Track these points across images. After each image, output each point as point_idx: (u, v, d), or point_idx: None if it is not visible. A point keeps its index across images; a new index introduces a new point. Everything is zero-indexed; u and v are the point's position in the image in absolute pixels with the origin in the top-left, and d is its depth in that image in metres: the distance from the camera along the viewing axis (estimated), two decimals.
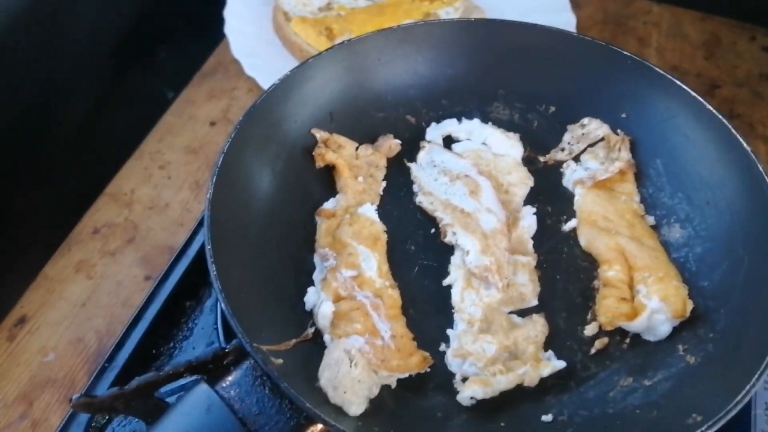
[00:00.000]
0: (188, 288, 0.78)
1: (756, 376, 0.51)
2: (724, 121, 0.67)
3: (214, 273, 0.56)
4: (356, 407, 0.54)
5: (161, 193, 1.02)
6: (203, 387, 0.51)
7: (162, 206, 1.00)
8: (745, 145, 0.65)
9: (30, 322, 0.88)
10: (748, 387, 0.50)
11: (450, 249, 0.70)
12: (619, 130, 0.75)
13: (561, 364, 0.61)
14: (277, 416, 0.51)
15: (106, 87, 1.04)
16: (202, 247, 0.79)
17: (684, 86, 0.70)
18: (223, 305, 0.54)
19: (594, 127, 0.75)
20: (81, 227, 0.98)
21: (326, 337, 0.61)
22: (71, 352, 0.85)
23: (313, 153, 0.73)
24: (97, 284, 0.92)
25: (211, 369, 0.57)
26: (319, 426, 0.51)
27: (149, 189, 1.02)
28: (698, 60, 1.14)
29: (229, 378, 0.53)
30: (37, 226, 0.94)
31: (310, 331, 0.62)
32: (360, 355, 0.57)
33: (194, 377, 0.56)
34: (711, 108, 0.68)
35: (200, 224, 0.83)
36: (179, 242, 0.85)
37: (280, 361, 0.54)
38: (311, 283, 0.66)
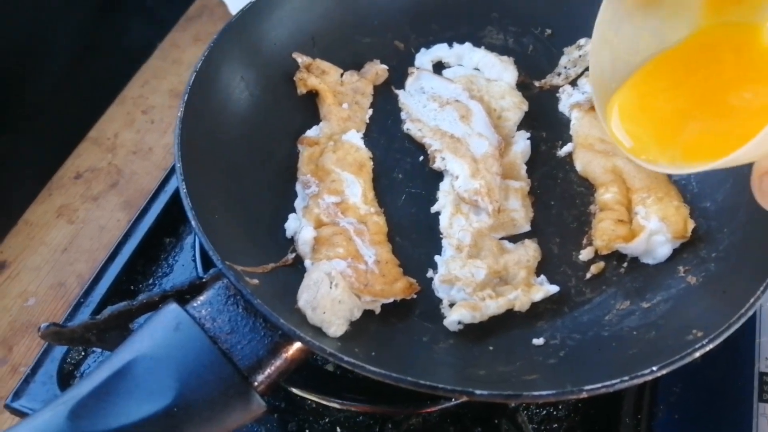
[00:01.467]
0: (167, 225, 0.75)
1: (761, 288, 0.47)
2: None
3: (184, 190, 0.53)
4: (336, 328, 0.51)
5: (144, 138, 0.99)
6: (172, 306, 0.49)
7: (145, 150, 0.97)
8: None
9: (10, 268, 0.86)
10: (752, 300, 0.47)
11: (438, 177, 0.66)
12: None
13: (554, 289, 0.58)
14: (250, 335, 0.48)
15: (90, 31, 1.01)
16: None
17: None
18: (192, 222, 0.51)
19: None
20: (63, 172, 0.95)
21: (307, 263, 0.58)
22: (52, 296, 0.83)
23: (295, 78, 0.69)
24: (79, 229, 0.89)
25: (187, 299, 0.54)
26: (296, 345, 0.48)
27: (132, 134, 0.99)
28: None
29: (201, 297, 0.50)
30: (17, 172, 0.91)
31: (290, 256, 0.59)
32: (341, 277, 0.54)
33: None
34: None
35: None
36: (158, 183, 0.82)
37: (256, 281, 0.51)
38: (292, 211, 0.63)
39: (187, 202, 0.52)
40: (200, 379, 0.45)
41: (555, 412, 0.61)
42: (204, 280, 0.54)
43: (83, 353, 0.66)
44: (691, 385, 0.62)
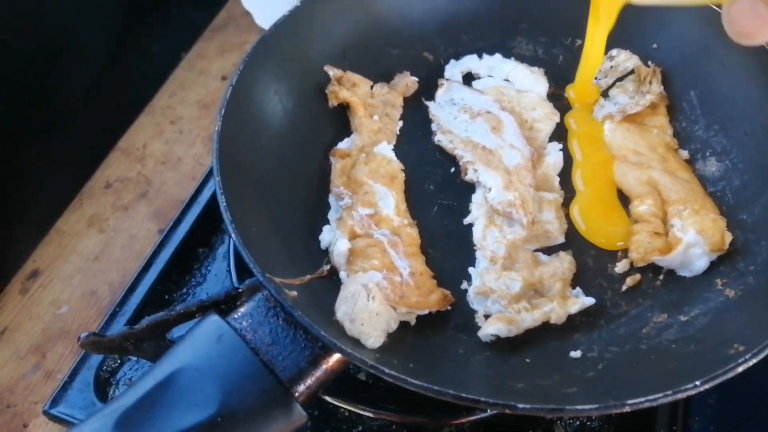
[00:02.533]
0: (200, 235, 0.76)
1: None
2: (766, 46, 0.63)
3: (224, 204, 0.53)
4: (374, 340, 0.51)
5: (173, 148, 1.00)
6: (214, 317, 0.49)
7: (174, 161, 0.98)
8: None
9: (42, 276, 0.87)
10: None
11: (470, 188, 0.66)
12: (649, 62, 0.71)
13: (590, 301, 0.57)
14: (291, 346, 0.48)
15: (118, 41, 1.02)
16: (214, 195, 0.77)
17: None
18: (233, 236, 0.52)
19: (623, 59, 0.71)
20: (93, 182, 0.97)
21: (342, 274, 0.59)
22: (84, 304, 0.84)
23: (326, 91, 0.70)
24: (110, 238, 0.90)
25: (224, 309, 0.55)
26: (335, 357, 0.49)
27: (161, 144, 1.00)
28: None
29: (241, 309, 0.51)
30: (49, 181, 0.92)
31: (326, 268, 0.59)
32: (377, 289, 0.55)
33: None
34: None
35: (212, 173, 0.80)
36: (190, 194, 0.83)
37: (294, 293, 0.52)
38: (326, 222, 0.64)
39: (227, 216, 0.53)
40: (243, 389, 0.45)
41: (589, 423, 0.61)
42: (240, 290, 0.55)
43: (119, 361, 0.67)
44: (726, 397, 0.62)
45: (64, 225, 0.92)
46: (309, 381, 0.48)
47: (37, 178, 0.90)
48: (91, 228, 0.91)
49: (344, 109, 0.71)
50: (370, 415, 0.58)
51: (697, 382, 0.44)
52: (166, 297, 0.71)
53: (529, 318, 0.56)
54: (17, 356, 0.80)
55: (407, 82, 0.73)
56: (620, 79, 0.72)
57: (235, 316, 0.50)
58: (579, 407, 0.43)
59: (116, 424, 0.43)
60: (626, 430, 0.60)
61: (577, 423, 0.61)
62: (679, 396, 0.43)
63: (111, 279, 0.86)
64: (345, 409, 0.62)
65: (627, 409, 0.43)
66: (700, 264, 0.58)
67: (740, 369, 0.45)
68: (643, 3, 0.55)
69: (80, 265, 0.88)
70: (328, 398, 0.58)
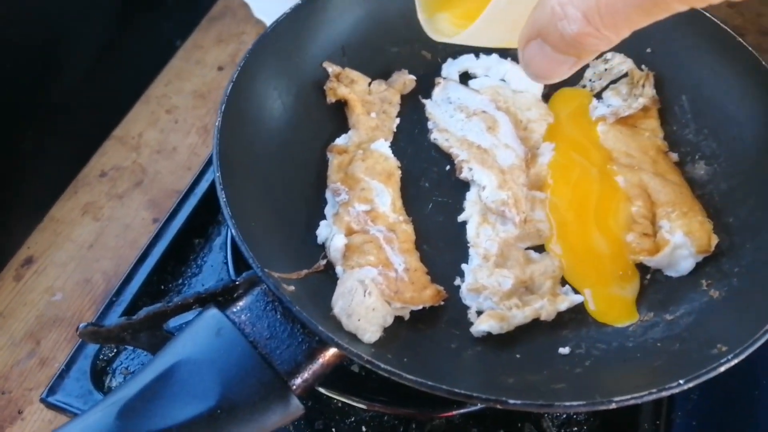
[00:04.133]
0: (197, 226, 0.76)
1: None
2: (755, 54, 0.64)
3: (224, 199, 0.54)
4: (370, 335, 0.53)
5: (169, 137, 1.00)
6: (213, 311, 0.50)
7: (169, 150, 0.99)
8: None
9: (37, 263, 0.87)
10: None
11: (465, 186, 0.68)
12: (643, 66, 0.72)
13: (579, 299, 0.59)
14: (289, 340, 0.49)
15: (114, 30, 1.02)
16: (211, 187, 0.78)
17: (714, 18, 0.67)
18: (233, 231, 0.53)
19: (617, 62, 0.72)
20: (88, 170, 0.97)
21: (338, 269, 0.60)
22: (79, 292, 0.85)
23: (325, 87, 0.71)
24: (105, 226, 0.91)
25: (221, 301, 0.56)
26: (332, 351, 0.50)
27: (156, 133, 1.01)
28: (722, 8, 1.10)
29: (240, 303, 0.52)
30: (43, 169, 0.92)
31: (322, 262, 0.60)
32: (374, 285, 0.56)
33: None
34: (741, 41, 0.65)
35: (208, 164, 0.81)
36: (187, 185, 0.83)
37: (292, 288, 0.53)
38: (322, 218, 0.65)
39: (227, 212, 0.54)
40: (242, 382, 0.46)
41: (575, 416, 0.63)
42: (237, 283, 0.56)
43: (115, 351, 0.68)
44: (708, 393, 0.64)
45: (58, 212, 0.92)
46: (306, 374, 0.49)
47: (32, 166, 0.90)
48: (85, 216, 0.92)
49: (342, 105, 0.72)
50: (363, 406, 0.59)
51: (681, 381, 0.45)
52: (162, 287, 0.72)
53: (520, 315, 0.58)
54: (11, 343, 0.80)
55: (405, 80, 0.74)
56: (614, 81, 0.73)
57: (234, 310, 0.51)
58: (567, 403, 0.45)
59: (119, 414, 0.44)
60: (611, 423, 0.62)
61: (564, 416, 0.63)
62: (664, 394, 0.45)
63: (105, 267, 0.87)
64: (338, 400, 0.64)
65: (613, 405, 0.45)
66: (686, 265, 0.59)
67: (722, 369, 0.46)
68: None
69: (74, 252, 0.88)
70: (321, 389, 0.59)
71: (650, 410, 0.62)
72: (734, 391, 0.64)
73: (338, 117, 0.72)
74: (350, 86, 0.71)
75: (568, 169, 0.67)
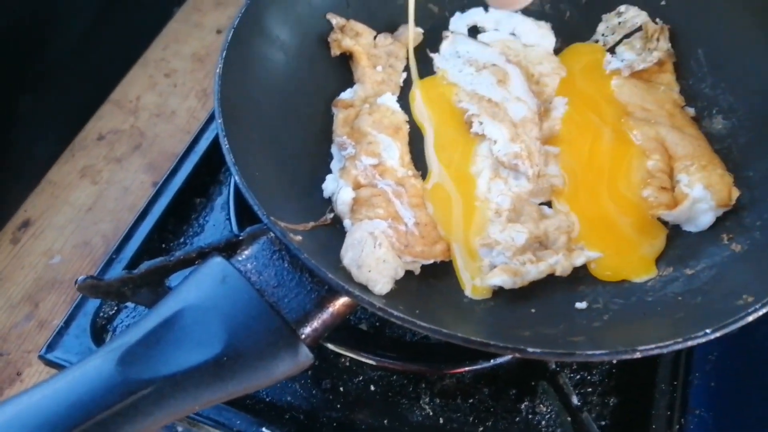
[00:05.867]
0: (198, 186, 0.74)
1: None
2: None
3: (227, 146, 0.52)
4: (381, 286, 0.51)
5: (167, 101, 0.98)
6: (218, 259, 0.48)
7: (168, 114, 0.96)
8: None
9: (34, 226, 0.85)
10: None
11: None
12: (657, 19, 0.69)
13: (595, 255, 0.57)
14: (297, 289, 0.47)
15: None
16: (211, 146, 0.76)
17: None
18: (237, 178, 0.50)
19: (631, 15, 0.70)
20: (85, 134, 0.95)
21: (346, 223, 0.58)
22: (77, 255, 0.83)
23: (329, 39, 0.68)
24: (103, 189, 0.89)
25: (224, 255, 0.54)
26: (342, 300, 0.48)
27: (155, 96, 0.98)
28: None
29: (246, 252, 0.50)
30: (39, 132, 0.90)
31: (329, 216, 0.58)
32: (384, 237, 0.54)
33: None
34: None
35: (208, 122, 0.79)
36: (187, 144, 0.81)
37: (299, 238, 0.51)
38: (328, 172, 0.62)
39: (230, 158, 0.51)
40: (249, 329, 0.45)
41: (590, 377, 0.61)
42: (240, 238, 0.54)
43: (115, 308, 0.66)
44: (727, 354, 0.62)
45: (55, 176, 0.90)
46: (315, 323, 0.47)
47: (28, 129, 0.88)
48: (83, 179, 0.90)
49: (347, 59, 0.69)
50: (372, 362, 0.58)
51: (708, 330, 0.43)
52: (163, 246, 0.70)
53: (534, 270, 0.56)
54: (9, 305, 0.79)
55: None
56: (627, 36, 0.70)
57: (240, 259, 0.49)
58: (589, 352, 0.43)
59: (119, 360, 0.42)
60: (627, 384, 0.60)
61: (578, 377, 0.62)
62: (690, 344, 0.43)
63: (104, 230, 0.85)
64: (346, 358, 0.62)
65: (638, 355, 0.43)
66: (706, 219, 0.57)
67: (750, 318, 0.44)
68: None
69: (72, 215, 0.86)
70: (330, 346, 0.58)
71: (667, 371, 0.60)
72: (754, 351, 0.62)
73: (343, 71, 0.69)
74: (355, 39, 0.69)
75: (581, 126, 0.65)
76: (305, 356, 0.45)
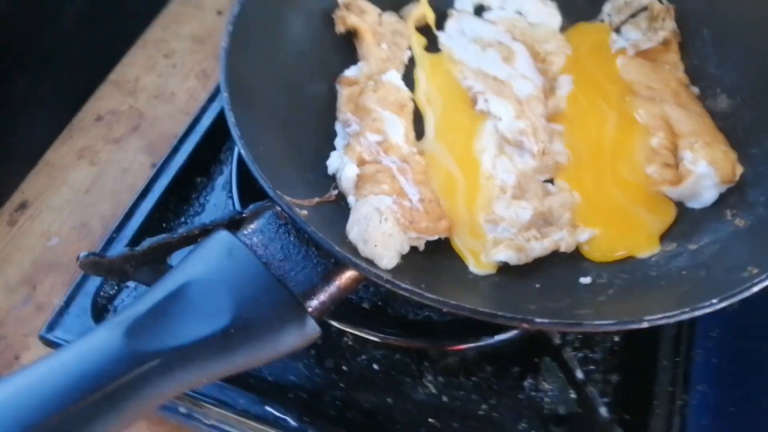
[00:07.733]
0: (199, 165, 0.74)
1: None
2: None
3: (232, 120, 0.52)
4: (387, 260, 0.51)
5: (167, 82, 0.97)
6: (223, 233, 0.48)
7: (168, 95, 0.95)
8: None
9: (31, 207, 0.85)
10: None
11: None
12: None
13: (596, 232, 0.57)
14: (303, 262, 0.47)
15: None
16: (212, 125, 0.75)
17: None
18: (242, 151, 0.50)
19: None
20: (83, 114, 0.94)
21: (350, 199, 0.58)
22: (75, 237, 0.82)
23: (334, 16, 0.68)
24: (102, 171, 0.88)
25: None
26: (348, 273, 0.48)
27: (154, 77, 0.97)
28: None
29: (251, 226, 0.49)
30: (36, 112, 0.89)
31: (334, 192, 0.58)
32: (389, 212, 0.54)
33: None
34: None
35: (210, 100, 0.78)
36: (188, 123, 0.80)
37: (305, 212, 0.51)
38: (332, 148, 0.62)
39: (235, 132, 0.51)
40: (256, 302, 0.44)
41: (592, 355, 0.61)
42: (244, 215, 0.54)
43: (117, 288, 0.65)
44: (728, 331, 0.62)
45: (53, 156, 0.89)
46: (322, 296, 0.47)
47: (25, 109, 0.87)
48: (81, 160, 0.89)
49: (351, 37, 0.69)
50: (376, 339, 0.57)
51: (714, 300, 0.44)
52: (164, 225, 0.70)
53: (539, 246, 0.56)
54: (7, 288, 0.78)
55: (418, 11, 0.71)
56: (633, 15, 0.70)
57: (245, 232, 0.49)
58: (597, 322, 0.43)
59: (126, 332, 0.42)
60: (629, 360, 0.61)
61: (580, 355, 0.62)
62: (696, 314, 0.43)
63: (103, 212, 0.84)
64: (349, 337, 0.62)
65: (645, 324, 0.43)
66: (710, 195, 0.58)
67: (756, 289, 0.45)
68: None
69: (70, 197, 0.85)
70: (334, 323, 0.57)
71: (669, 347, 0.60)
72: (756, 327, 0.63)
73: (346, 49, 0.69)
74: (360, 16, 0.68)
75: (586, 104, 0.65)
76: (312, 329, 0.45)
